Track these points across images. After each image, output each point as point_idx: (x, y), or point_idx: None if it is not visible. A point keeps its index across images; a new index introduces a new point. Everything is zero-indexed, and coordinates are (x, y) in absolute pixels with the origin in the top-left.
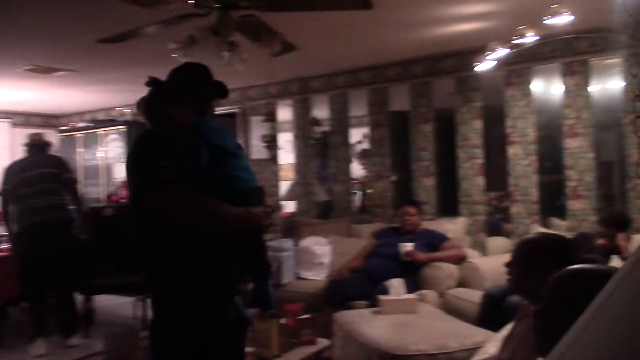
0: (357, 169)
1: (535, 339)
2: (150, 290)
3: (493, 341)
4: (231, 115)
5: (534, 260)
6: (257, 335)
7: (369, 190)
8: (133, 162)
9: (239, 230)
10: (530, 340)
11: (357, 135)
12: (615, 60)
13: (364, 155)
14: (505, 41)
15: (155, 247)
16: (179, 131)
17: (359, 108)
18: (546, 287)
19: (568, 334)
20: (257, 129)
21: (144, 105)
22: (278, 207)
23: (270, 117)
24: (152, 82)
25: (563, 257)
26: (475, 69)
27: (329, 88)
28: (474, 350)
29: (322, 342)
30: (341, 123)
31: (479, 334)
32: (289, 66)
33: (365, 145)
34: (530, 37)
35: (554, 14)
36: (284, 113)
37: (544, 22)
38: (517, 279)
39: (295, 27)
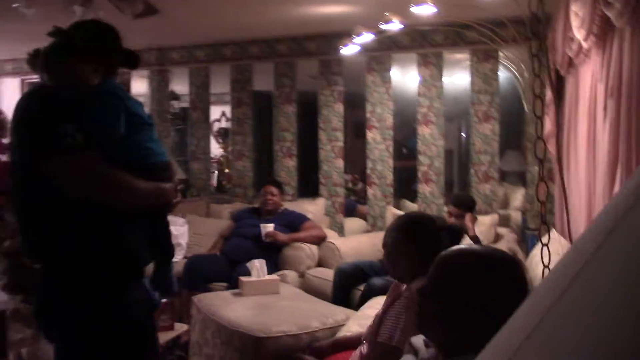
0: (215, 148)
1: (418, 317)
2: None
3: (354, 319)
4: None
5: (401, 241)
6: None
7: (226, 170)
8: (27, 122)
9: (147, 207)
10: (409, 319)
11: (218, 113)
12: (465, 55)
13: (221, 134)
14: (370, 26)
15: (47, 221)
16: (94, 92)
17: (220, 85)
18: (434, 266)
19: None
20: None
21: (44, 58)
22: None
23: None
24: (58, 33)
25: (427, 235)
26: (341, 52)
27: (189, 61)
28: (335, 328)
29: (181, 327)
30: (202, 99)
31: (339, 312)
32: (146, 33)
33: (224, 124)
34: (395, 24)
35: (418, 2)
36: (139, 85)
37: (411, 10)
38: (388, 260)
39: None
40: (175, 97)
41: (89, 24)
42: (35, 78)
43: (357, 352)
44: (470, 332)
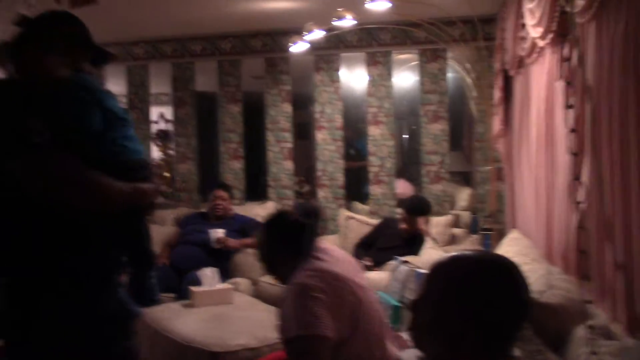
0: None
1: (412, 330)
2: None
3: None
4: None
5: (268, 244)
6: None
7: (165, 174)
8: None
9: (122, 209)
10: (303, 304)
11: (156, 114)
12: (413, 55)
13: (160, 137)
14: (320, 23)
15: (10, 228)
16: (62, 83)
17: (159, 84)
18: (426, 275)
19: None
20: None
21: (8, 47)
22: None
23: None
24: (24, 22)
25: (286, 226)
26: (290, 49)
27: (125, 58)
28: None
29: None
30: (141, 99)
31: None
32: None
33: (162, 126)
34: (348, 21)
35: None
36: None
37: (365, 5)
38: (268, 269)
39: None
40: None
41: (57, 14)
42: None
43: None
44: (467, 342)
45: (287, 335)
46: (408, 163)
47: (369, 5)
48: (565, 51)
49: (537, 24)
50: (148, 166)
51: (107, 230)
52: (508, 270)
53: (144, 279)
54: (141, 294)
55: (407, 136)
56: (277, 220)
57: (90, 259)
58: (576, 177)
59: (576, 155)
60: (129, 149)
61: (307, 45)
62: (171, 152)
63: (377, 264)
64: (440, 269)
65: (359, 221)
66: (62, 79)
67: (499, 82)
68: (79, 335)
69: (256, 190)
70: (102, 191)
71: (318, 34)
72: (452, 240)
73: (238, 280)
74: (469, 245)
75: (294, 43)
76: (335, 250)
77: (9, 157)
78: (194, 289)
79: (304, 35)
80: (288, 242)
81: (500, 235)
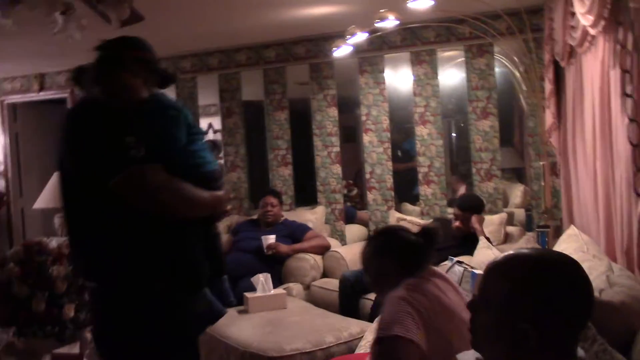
0: None
1: (471, 333)
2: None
3: (371, 331)
4: (59, 102)
5: (380, 261)
6: None
7: None
8: (87, 137)
9: (203, 217)
10: (395, 310)
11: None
12: (457, 52)
13: (210, 147)
14: (362, 26)
15: (105, 237)
16: (151, 103)
17: (206, 96)
18: (484, 276)
19: None
20: None
21: (95, 70)
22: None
23: None
24: (105, 47)
25: (403, 245)
26: (333, 54)
27: (173, 73)
28: (351, 342)
29: None
30: (190, 111)
31: (352, 325)
32: None
33: (211, 136)
34: (390, 21)
35: None
36: None
37: (408, 4)
38: (374, 285)
39: None
40: None
41: (133, 40)
42: (14, 98)
43: None
44: (529, 343)
45: (376, 335)
46: (458, 162)
47: (411, 5)
48: (620, 38)
49: (588, 12)
50: (222, 176)
51: (194, 236)
52: (569, 268)
53: (219, 283)
54: (218, 297)
55: (455, 134)
56: (390, 237)
57: (181, 263)
58: (638, 168)
59: (636, 146)
60: (207, 161)
61: (351, 49)
62: (221, 161)
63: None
64: (498, 268)
65: (409, 222)
66: (151, 99)
67: (549, 74)
68: (170, 334)
69: (305, 195)
70: (191, 199)
71: (361, 37)
72: (507, 238)
73: (290, 285)
74: (524, 244)
75: (337, 47)
76: (449, 280)
77: (110, 172)
78: (248, 295)
79: (347, 39)
80: (402, 260)
81: (557, 232)
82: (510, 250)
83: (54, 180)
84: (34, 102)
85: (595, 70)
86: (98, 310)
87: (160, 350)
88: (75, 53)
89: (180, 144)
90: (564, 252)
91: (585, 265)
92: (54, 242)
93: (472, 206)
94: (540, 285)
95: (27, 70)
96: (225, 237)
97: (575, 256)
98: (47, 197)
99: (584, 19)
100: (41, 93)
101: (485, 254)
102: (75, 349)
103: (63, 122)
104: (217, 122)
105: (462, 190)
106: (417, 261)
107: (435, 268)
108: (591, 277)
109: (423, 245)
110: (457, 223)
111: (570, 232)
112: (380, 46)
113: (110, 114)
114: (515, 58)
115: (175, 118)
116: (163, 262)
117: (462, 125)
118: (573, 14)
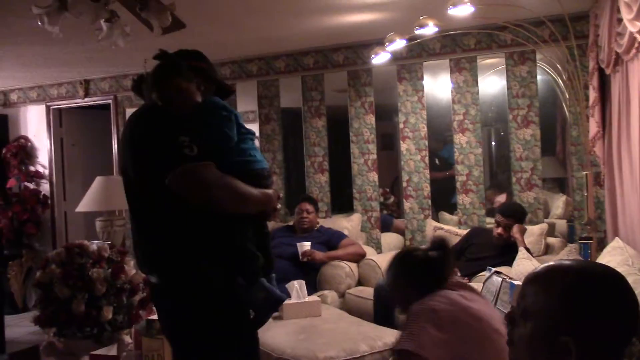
0: None
1: (509, 346)
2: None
3: None
4: (103, 107)
5: (399, 281)
6: (146, 355)
7: None
8: (146, 138)
9: (253, 214)
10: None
11: None
12: (498, 59)
13: None
14: (402, 33)
15: (169, 233)
16: (204, 106)
17: (247, 103)
18: (523, 287)
19: None
20: None
21: (153, 77)
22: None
23: None
24: (164, 56)
25: (417, 263)
26: (372, 61)
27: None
28: (385, 352)
29: None
30: None
31: (387, 334)
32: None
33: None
34: (430, 28)
35: (454, 4)
36: None
37: (448, 11)
38: (399, 305)
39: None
40: None
41: (189, 51)
42: (60, 103)
43: None
44: (570, 358)
45: (395, 345)
46: (497, 170)
47: (452, 12)
48: None
49: (635, 18)
50: (271, 175)
51: (248, 231)
52: (613, 281)
53: (269, 280)
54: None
55: (495, 143)
56: (404, 262)
57: (240, 255)
58: None
59: None
60: (257, 159)
61: (389, 56)
62: None
63: (467, 275)
64: (538, 279)
65: (447, 232)
66: (204, 101)
67: (594, 82)
68: (235, 322)
69: (342, 202)
70: (242, 195)
71: (400, 44)
72: (547, 249)
73: (325, 292)
74: (566, 255)
75: (376, 54)
76: (475, 290)
77: (166, 169)
78: None
79: (385, 46)
80: (418, 282)
81: (601, 244)
82: (551, 261)
83: (96, 184)
84: (79, 108)
85: None
86: (165, 305)
87: (227, 338)
88: (120, 59)
89: (232, 142)
90: (608, 264)
91: (630, 279)
92: (94, 245)
93: (515, 214)
94: (582, 297)
95: (72, 77)
96: None
97: (619, 269)
98: (90, 201)
99: (632, 25)
100: (86, 99)
101: (524, 265)
102: (112, 350)
103: (124, 127)
104: (255, 129)
105: (501, 199)
106: (437, 275)
107: (460, 279)
108: (637, 292)
109: (438, 258)
110: (498, 230)
111: (615, 244)
112: (419, 53)
113: (165, 116)
114: (558, 65)
115: (226, 118)
116: (222, 254)
117: (502, 133)
118: (620, 20)
